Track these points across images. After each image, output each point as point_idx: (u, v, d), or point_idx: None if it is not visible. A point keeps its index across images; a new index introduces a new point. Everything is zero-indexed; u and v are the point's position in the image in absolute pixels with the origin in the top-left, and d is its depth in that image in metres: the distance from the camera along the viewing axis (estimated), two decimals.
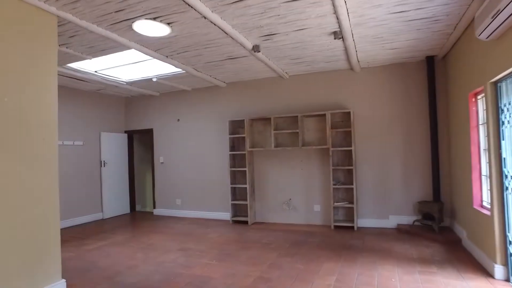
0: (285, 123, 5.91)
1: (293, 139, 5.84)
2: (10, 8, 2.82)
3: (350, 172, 5.42)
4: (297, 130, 5.56)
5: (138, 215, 7.04)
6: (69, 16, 3.23)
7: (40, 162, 3.04)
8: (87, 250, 4.50)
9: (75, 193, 6.19)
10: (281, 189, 5.94)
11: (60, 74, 5.23)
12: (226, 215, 6.28)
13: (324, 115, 5.48)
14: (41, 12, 3.05)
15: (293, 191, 5.85)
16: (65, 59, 4.54)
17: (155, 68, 5.40)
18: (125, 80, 6.00)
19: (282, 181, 5.94)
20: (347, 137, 5.45)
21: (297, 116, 5.61)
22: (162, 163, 7.06)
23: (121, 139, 7.25)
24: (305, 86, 5.84)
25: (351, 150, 5.37)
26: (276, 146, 5.77)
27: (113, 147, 7.00)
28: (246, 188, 5.98)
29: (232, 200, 6.08)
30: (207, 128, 6.60)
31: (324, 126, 5.61)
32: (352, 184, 5.26)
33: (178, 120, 6.90)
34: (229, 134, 6.10)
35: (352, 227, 5.29)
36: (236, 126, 6.26)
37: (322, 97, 5.71)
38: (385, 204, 5.30)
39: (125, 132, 7.43)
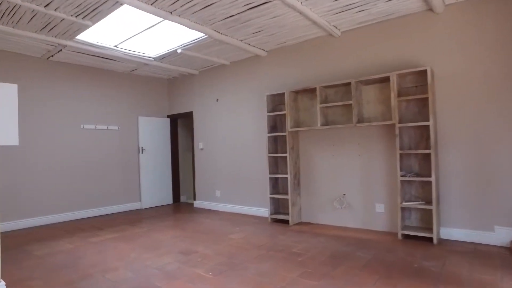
0: (337, 94, 4.48)
1: (346, 114, 4.39)
2: None
3: (427, 158, 3.73)
4: (351, 102, 4.10)
5: (178, 207, 6.45)
6: None
7: None
8: (89, 242, 3.96)
9: (110, 180, 5.88)
10: (332, 181, 4.55)
11: (77, 51, 4.85)
12: (267, 212, 5.18)
13: (388, 78, 3.89)
14: None
15: (348, 184, 4.40)
16: (66, 28, 4.03)
17: (180, 38, 4.65)
18: (152, 56, 5.38)
19: (333, 171, 4.54)
20: (423, 108, 3.76)
21: (350, 82, 4.14)
22: (201, 149, 6.31)
23: (163, 124, 6.76)
24: (362, 43, 4.30)
25: (428, 127, 3.68)
26: (323, 124, 4.40)
27: (153, 133, 6.55)
28: (287, 179, 4.77)
29: (271, 193, 4.94)
30: (247, 107, 5.56)
31: (388, 95, 4.02)
32: (431, 176, 3.58)
33: (217, 100, 6.03)
34: (268, 112, 4.95)
35: (430, 239, 3.62)
36: (277, 102, 5.08)
37: (385, 54, 4.10)
38: (487, 208, 3.47)
39: (168, 116, 6.93)
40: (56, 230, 4.69)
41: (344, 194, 4.43)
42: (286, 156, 4.89)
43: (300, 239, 3.87)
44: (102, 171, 5.77)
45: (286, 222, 4.78)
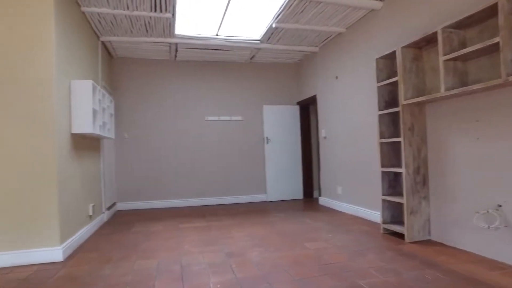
0: (482, 34, 2.64)
1: (491, 66, 2.51)
2: None
3: None
4: (497, 40, 2.28)
5: (303, 204, 5.76)
6: None
7: (34, 122, 2.88)
8: (176, 228, 4.05)
9: (235, 171, 5.99)
10: (477, 181, 2.73)
11: (190, 47, 5.14)
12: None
13: None
14: None
15: (507, 187, 2.50)
16: (161, 26, 4.29)
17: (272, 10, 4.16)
18: (257, 38, 5.03)
19: (479, 164, 2.71)
20: None
21: (496, 3, 2.31)
22: (324, 137, 5.38)
23: (291, 112, 6.25)
24: None
25: None
26: (451, 87, 2.69)
27: (279, 122, 6.17)
28: (403, 174, 3.25)
29: (385, 194, 3.54)
30: (366, 81, 4.26)
31: None
32: None
33: (336, 77, 4.96)
34: (378, 82, 3.58)
35: None
36: (393, 67, 3.60)
37: None
38: None
39: (298, 103, 6.35)
40: (172, 213, 5.13)
41: (500, 206, 2.55)
42: (400, 142, 3.35)
43: (395, 267, 2.50)
44: (227, 161, 5.96)
45: (402, 236, 3.29)
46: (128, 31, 4.48)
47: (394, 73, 3.60)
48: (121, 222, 4.53)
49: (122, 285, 2.32)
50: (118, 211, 5.42)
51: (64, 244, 2.96)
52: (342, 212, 4.75)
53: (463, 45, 2.76)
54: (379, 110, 3.56)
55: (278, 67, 6.36)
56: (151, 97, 5.71)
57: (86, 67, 4.01)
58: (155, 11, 3.91)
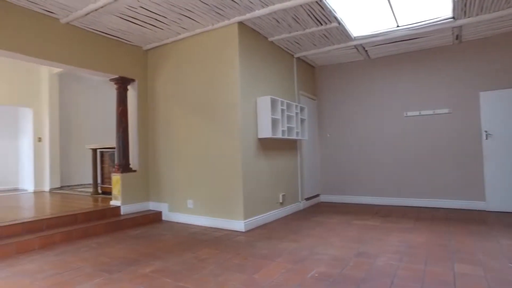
0: None
1: None
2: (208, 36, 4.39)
3: None
4: None
5: None
6: (246, 17, 4.03)
7: (230, 132, 4.20)
8: (347, 223, 4.27)
9: (440, 171, 5.20)
10: None
11: (375, 45, 5.09)
12: None
13: None
14: (224, 28, 4.22)
15: None
16: (336, 34, 4.66)
17: None
18: (449, 16, 4.20)
19: None
20: None
21: None
22: None
23: None
24: None
25: None
26: None
27: (506, 110, 4.68)
28: None
29: None
30: None
31: None
32: None
33: None
34: None
35: None
36: None
37: None
38: None
39: None
40: (362, 209, 5.22)
41: None
42: None
43: None
44: (431, 160, 5.24)
45: None
46: (312, 45, 5.14)
47: None
48: (312, 212, 5.27)
49: (257, 256, 3.07)
50: (321, 202, 6.19)
51: (247, 220, 4.09)
52: None
53: None
54: None
55: (503, 40, 4.85)
56: (349, 97, 6.06)
57: (281, 82, 5.07)
58: (321, 24, 4.35)
